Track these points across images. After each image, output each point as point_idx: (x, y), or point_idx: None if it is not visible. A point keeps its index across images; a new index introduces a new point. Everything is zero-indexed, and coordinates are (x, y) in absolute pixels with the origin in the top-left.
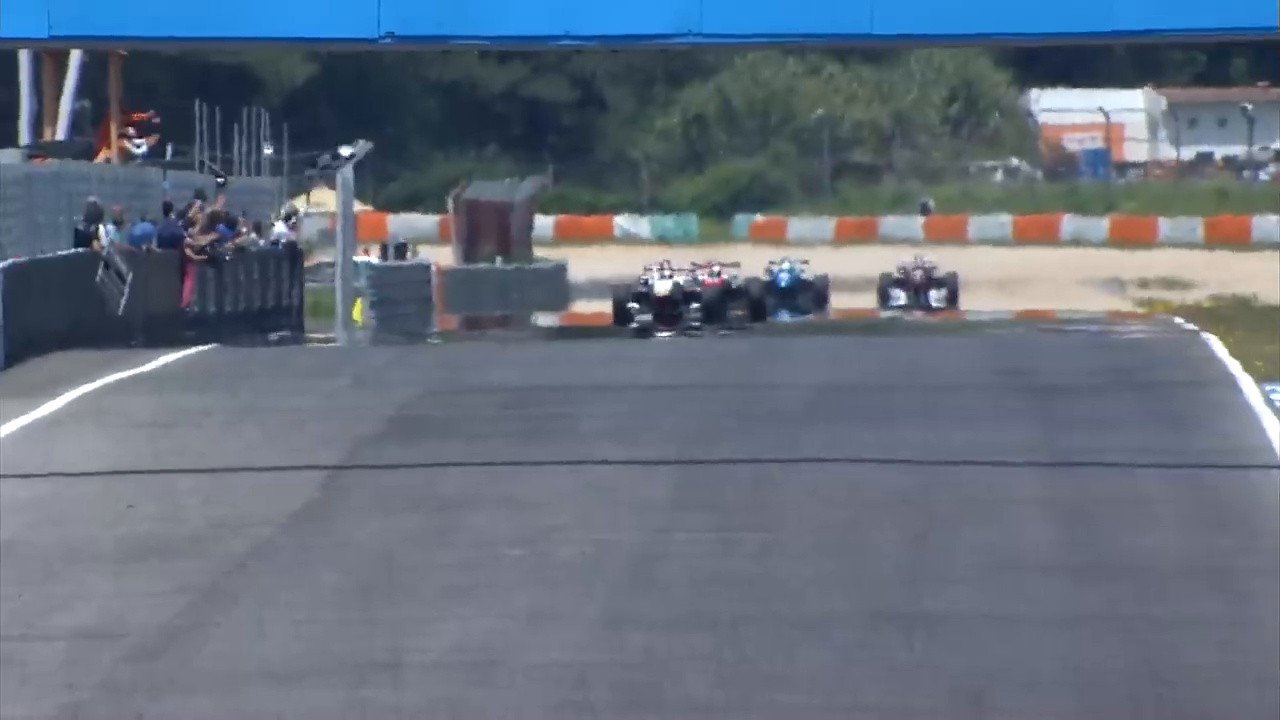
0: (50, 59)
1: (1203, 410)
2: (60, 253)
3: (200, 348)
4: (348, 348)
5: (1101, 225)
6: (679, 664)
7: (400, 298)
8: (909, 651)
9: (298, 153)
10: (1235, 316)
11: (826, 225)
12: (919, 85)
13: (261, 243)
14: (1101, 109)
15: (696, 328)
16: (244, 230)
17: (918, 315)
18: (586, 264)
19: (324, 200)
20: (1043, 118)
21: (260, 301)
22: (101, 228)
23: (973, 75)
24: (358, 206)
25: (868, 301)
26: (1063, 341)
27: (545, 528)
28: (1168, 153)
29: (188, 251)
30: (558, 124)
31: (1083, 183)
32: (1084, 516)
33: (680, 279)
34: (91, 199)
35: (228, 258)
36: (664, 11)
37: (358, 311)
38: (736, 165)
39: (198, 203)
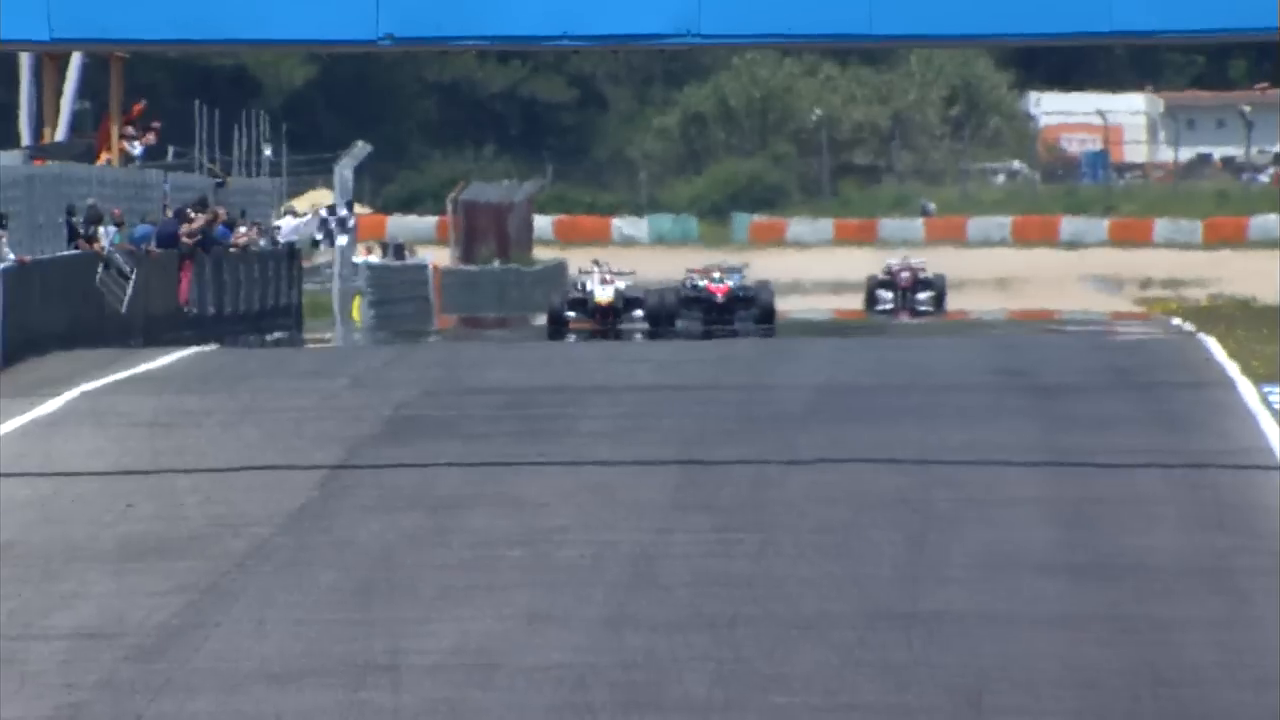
0: (50, 61)
1: (1201, 411)
2: (60, 253)
3: (199, 348)
4: (346, 348)
5: (1100, 226)
6: (678, 664)
7: (399, 298)
8: (907, 651)
9: (296, 154)
10: (1234, 317)
11: (826, 226)
12: (918, 86)
13: (262, 242)
14: (1100, 111)
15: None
16: (244, 231)
17: (904, 318)
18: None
19: (323, 201)
20: (1042, 120)
21: (259, 302)
22: (101, 229)
23: (972, 76)
24: (357, 208)
25: (856, 304)
26: (1062, 342)
27: (544, 528)
28: (1166, 155)
29: (184, 238)
30: (556, 124)
31: (1082, 184)
32: (1082, 517)
33: (621, 284)
34: (91, 201)
35: (230, 247)
36: (662, 12)
37: (356, 311)
38: (735, 166)
39: (193, 210)
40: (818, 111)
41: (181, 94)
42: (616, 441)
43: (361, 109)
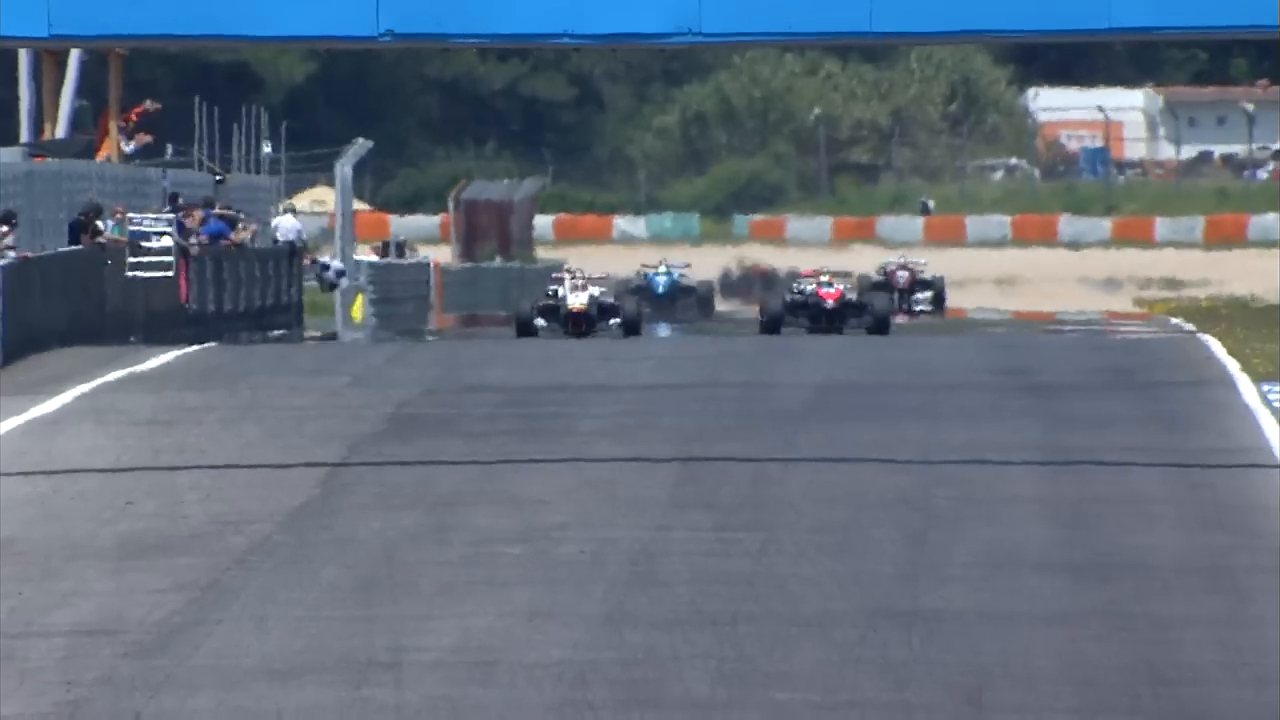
0: (50, 57)
1: (1201, 410)
2: (61, 249)
3: (199, 345)
4: (347, 346)
5: (1100, 225)
6: (678, 662)
7: (400, 296)
8: (908, 649)
9: (296, 151)
10: (1234, 316)
11: (825, 225)
12: (917, 83)
13: (251, 239)
14: (1100, 107)
15: None
16: (243, 229)
17: (901, 319)
18: (588, 263)
19: (324, 199)
20: (1041, 116)
21: (259, 299)
22: (100, 223)
23: (971, 72)
24: (357, 205)
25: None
26: (1062, 341)
27: (545, 526)
28: (1167, 151)
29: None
30: (556, 122)
31: (1081, 182)
32: (1082, 515)
33: (594, 290)
34: (90, 195)
35: (229, 242)
36: (662, 10)
37: (357, 309)
38: (735, 164)
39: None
40: (817, 110)
41: (181, 90)
42: (617, 439)
43: (362, 106)
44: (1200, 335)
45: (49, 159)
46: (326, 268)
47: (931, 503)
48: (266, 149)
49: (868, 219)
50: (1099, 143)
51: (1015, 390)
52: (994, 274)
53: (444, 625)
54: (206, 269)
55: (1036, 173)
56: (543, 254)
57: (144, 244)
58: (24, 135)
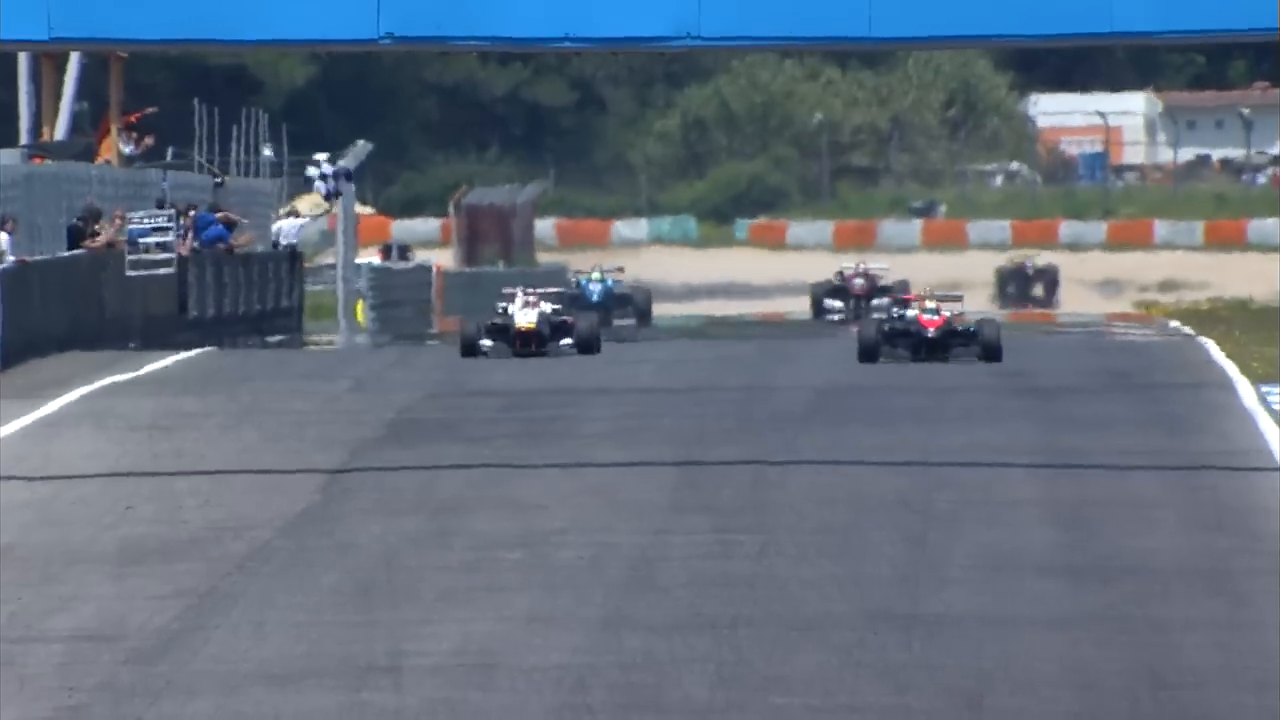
0: (49, 61)
1: (1200, 412)
2: (60, 254)
3: (199, 350)
4: (348, 350)
5: (1099, 229)
6: (678, 666)
7: (401, 300)
8: (907, 653)
9: (297, 154)
10: (1233, 319)
11: (825, 229)
12: (916, 88)
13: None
14: (1099, 112)
15: None
16: (241, 234)
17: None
18: (587, 266)
19: (324, 202)
20: (1040, 121)
21: (260, 304)
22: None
23: (971, 77)
24: (359, 209)
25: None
26: (1061, 344)
27: (544, 530)
28: (1165, 155)
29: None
30: (557, 127)
31: (1080, 187)
32: (1082, 518)
33: (546, 307)
34: (89, 199)
35: (227, 248)
36: (663, 14)
37: (359, 313)
38: (735, 168)
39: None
40: (818, 115)
41: (181, 93)
42: (617, 443)
43: (362, 110)
44: (1199, 338)
45: (48, 161)
46: (325, 177)
47: (931, 505)
48: (267, 152)
49: (868, 222)
50: (1098, 147)
51: (1015, 393)
52: (993, 274)
53: (444, 630)
54: (206, 273)
55: (1037, 178)
56: (544, 258)
57: (142, 240)
58: (23, 138)
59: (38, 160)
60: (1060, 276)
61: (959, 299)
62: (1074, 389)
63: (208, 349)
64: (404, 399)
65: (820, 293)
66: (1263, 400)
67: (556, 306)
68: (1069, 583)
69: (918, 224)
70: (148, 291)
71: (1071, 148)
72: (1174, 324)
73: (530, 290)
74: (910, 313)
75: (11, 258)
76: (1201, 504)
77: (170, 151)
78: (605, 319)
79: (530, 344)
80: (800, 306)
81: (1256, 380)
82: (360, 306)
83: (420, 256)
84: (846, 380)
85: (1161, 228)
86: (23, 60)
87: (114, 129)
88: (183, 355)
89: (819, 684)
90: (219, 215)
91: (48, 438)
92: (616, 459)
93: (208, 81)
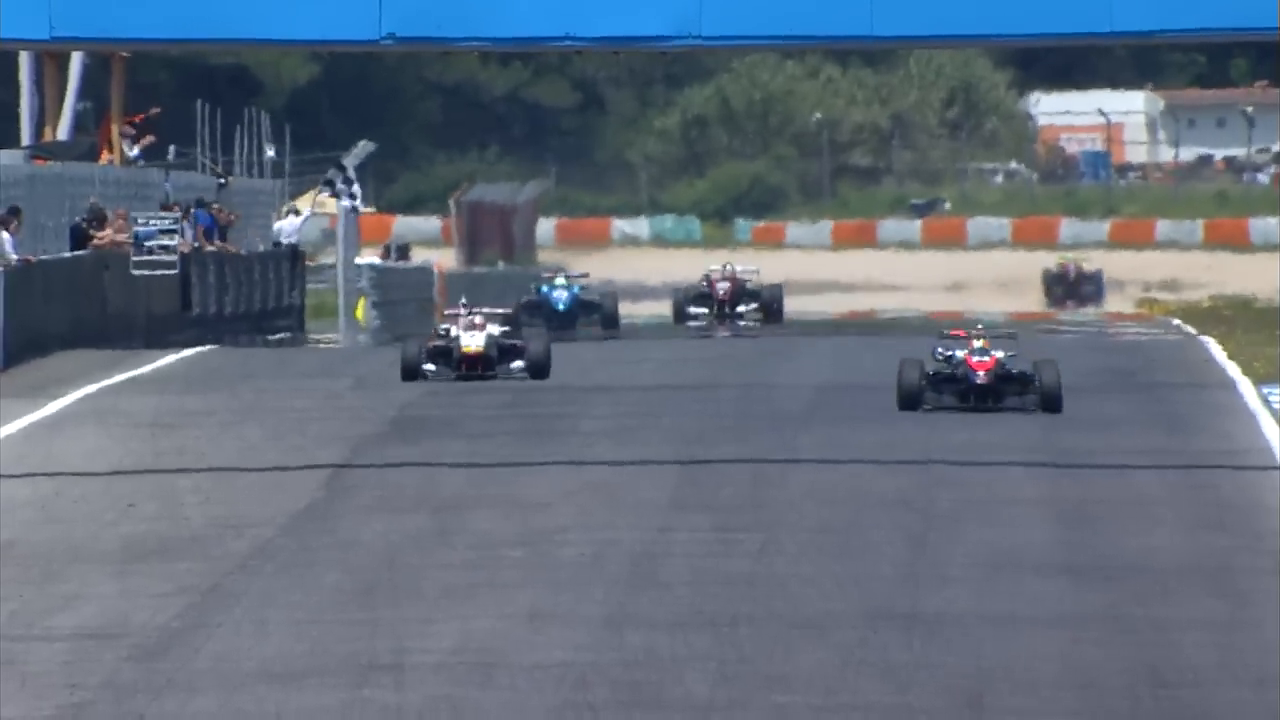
0: (51, 60)
1: (1202, 412)
2: (63, 254)
3: (201, 348)
4: (349, 349)
5: (1100, 228)
6: (679, 663)
7: (402, 299)
8: (908, 651)
9: (299, 154)
10: (1234, 318)
11: (825, 229)
12: (917, 87)
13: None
14: (1101, 110)
15: None
16: (220, 210)
17: (723, 335)
18: (589, 266)
19: (325, 201)
20: (1041, 119)
21: (261, 302)
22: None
23: (972, 76)
24: (361, 208)
25: (858, 304)
26: (1062, 343)
27: (546, 528)
28: (1166, 154)
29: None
30: (558, 127)
31: (1081, 186)
32: (1083, 517)
33: (494, 329)
34: (93, 200)
35: (216, 246)
36: (663, 14)
37: (360, 312)
38: (736, 167)
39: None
40: (818, 114)
41: (183, 93)
42: (617, 441)
43: (364, 110)
44: (1201, 337)
45: (51, 161)
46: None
47: (932, 504)
48: (269, 152)
49: (869, 222)
50: (1099, 146)
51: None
52: (994, 277)
53: (445, 627)
54: (209, 272)
55: (1035, 177)
56: (545, 257)
57: (148, 242)
58: (25, 138)
59: (40, 162)
60: (1103, 280)
61: (1013, 337)
62: (1075, 388)
63: (210, 347)
64: (405, 396)
65: (684, 299)
66: (1264, 400)
67: (505, 328)
68: (1070, 582)
69: (918, 223)
70: (150, 290)
71: (1073, 146)
72: (1175, 323)
73: (476, 309)
74: (959, 354)
75: (14, 256)
76: (1203, 503)
77: (172, 151)
78: (570, 326)
79: (477, 367)
80: (806, 305)
81: (1258, 380)
82: (362, 305)
83: (420, 256)
84: (846, 379)
85: (1163, 226)
86: (24, 60)
87: (115, 130)
88: (185, 353)
89: (820, 682)
90: (215, 208)
91: (50, 436)
92: (618, 457)
93: (210, 82)
